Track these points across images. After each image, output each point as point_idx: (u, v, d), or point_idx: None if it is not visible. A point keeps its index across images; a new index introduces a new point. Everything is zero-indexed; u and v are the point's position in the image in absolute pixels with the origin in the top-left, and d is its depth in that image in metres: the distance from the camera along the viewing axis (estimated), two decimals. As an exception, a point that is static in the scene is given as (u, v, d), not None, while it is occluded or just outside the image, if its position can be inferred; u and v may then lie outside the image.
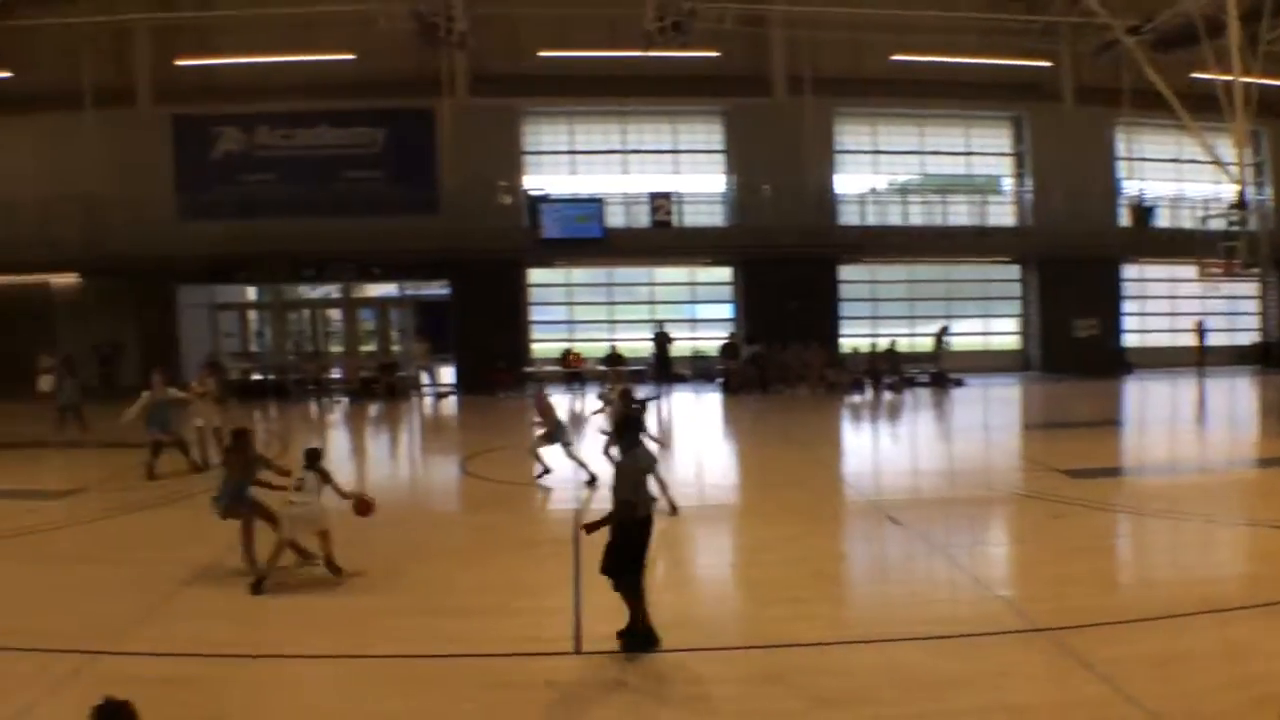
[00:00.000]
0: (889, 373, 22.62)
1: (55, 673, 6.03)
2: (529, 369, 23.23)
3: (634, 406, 10.37)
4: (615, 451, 9.00)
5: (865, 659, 5.95)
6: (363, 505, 8.05)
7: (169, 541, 9.52)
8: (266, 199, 22.97)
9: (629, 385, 12.27)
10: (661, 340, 22.67)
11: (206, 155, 23.51)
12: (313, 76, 22.82)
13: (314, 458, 7.93)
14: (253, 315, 25.53)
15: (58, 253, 22.45)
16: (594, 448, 12.14)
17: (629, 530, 6.03)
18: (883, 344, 23.40)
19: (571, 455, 11.62)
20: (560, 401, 16.60)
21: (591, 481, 11.07)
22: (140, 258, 22.31)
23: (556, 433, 11.73)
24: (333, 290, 25.02)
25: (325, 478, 7.89)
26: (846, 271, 24.72)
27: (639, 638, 5.98)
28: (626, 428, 6.59)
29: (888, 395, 21.84)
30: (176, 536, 9.76)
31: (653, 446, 10.33)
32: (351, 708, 5.60)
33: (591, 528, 6.33)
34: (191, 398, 13.33)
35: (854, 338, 24.05)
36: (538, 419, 11.94)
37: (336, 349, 25.00)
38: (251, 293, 25.16)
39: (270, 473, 8.22)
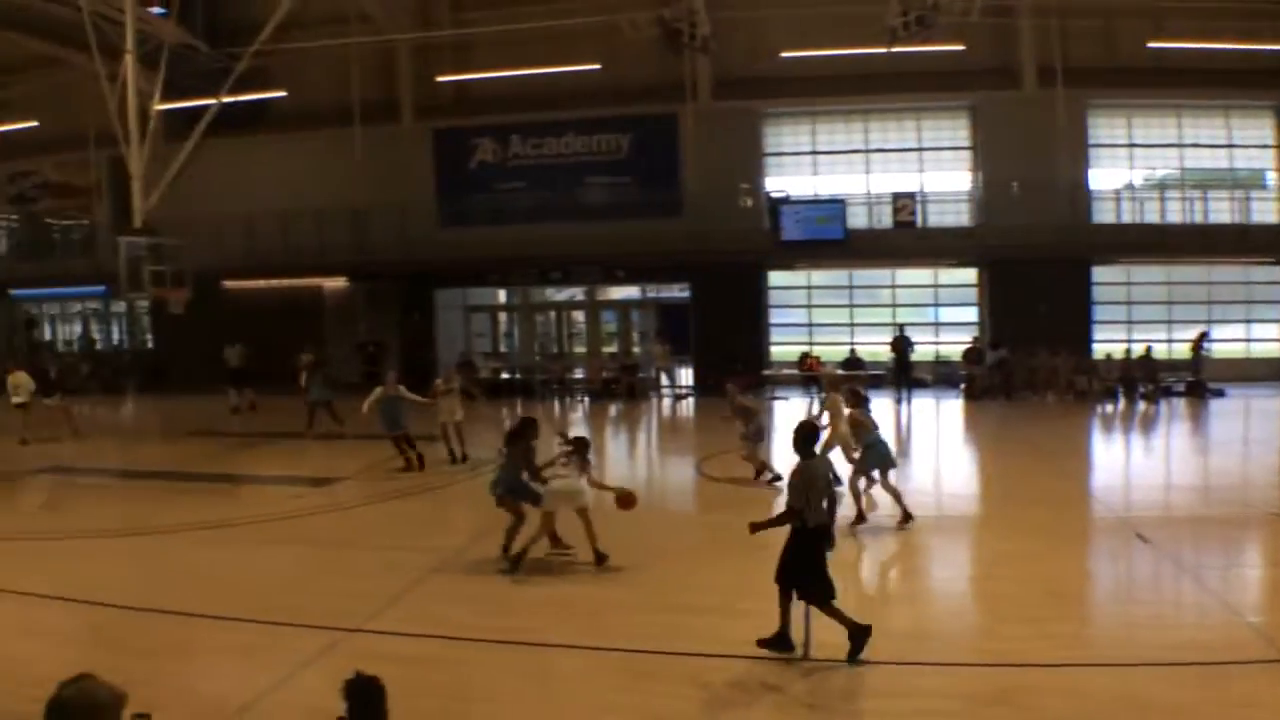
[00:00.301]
0: (1143, 381, 21.23)
1: (311, 647, 6.43)
2: (767, 371, 23.17)
3: (862, 407, 10.15)
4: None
5: (1100, 683, 5.60)
6: (626, 499, 8.36)
7: (419, 529, 10.08)
8: (517, 206, 23.89)
9: (856, 386, 11.97)
10: (900, 344, 22.09)
11: (464, 166, 24.73)
12: (561, 87, 23.61)
13: (581, 446, 8.40)
14: (502, 317, 26.62)
15: (329, 259, 24.12)
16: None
17: (799, 539, 6.10)
18: (1137, 350, 22.00)
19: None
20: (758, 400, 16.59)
21: (775, 480, 11.25)
22: (403, 263, 23.72)
23: (753, 433, 11.81)
24: (577, 293, 25.72)
25: (585, 466, 8.31)
26: (1100, 273, 23.31)
27: (853, 644, 5.99)
28: (803, 437, 6.42)
29: (1141, 405, 20.50)
30: (426, 524, 10.36)
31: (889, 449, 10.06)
32: (582, 696, 5.68)
33: (756, 527, 6.43)
34: (434, 397, 13.79)
35: (1108, 343, 22.66)
36: (741, 426, 11.95)
37: (580, 350, 25.70)
38: (502, 295, 26.24)
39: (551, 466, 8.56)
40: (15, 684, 5.61)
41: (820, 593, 6.01)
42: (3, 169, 28.71)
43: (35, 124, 26.68)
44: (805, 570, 6.07)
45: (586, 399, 22.88)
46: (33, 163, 28.14)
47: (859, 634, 5.98)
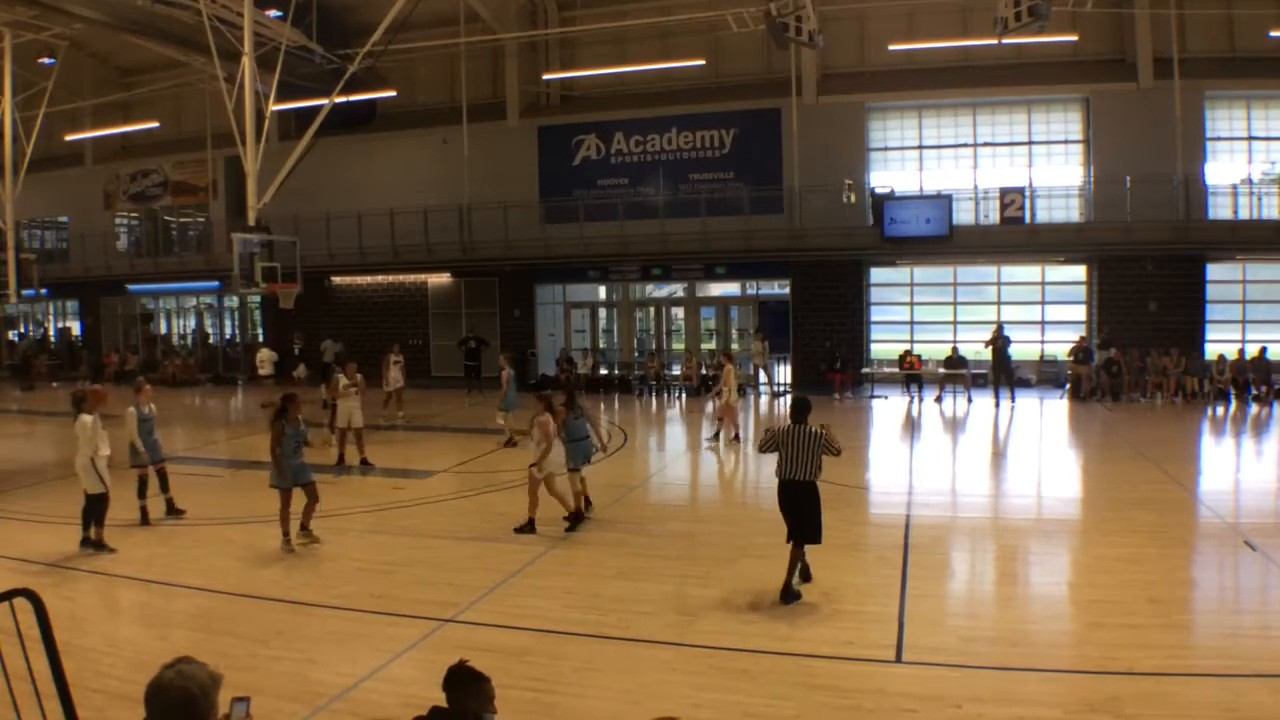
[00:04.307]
0: (1256, 383, 20.52)
1: (407, 637, 6.60)
2: (866, 369, 23.03)
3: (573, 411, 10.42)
4: None
5: (1201, 693, 5.44)
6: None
7: (512, 522, 10.07)
8: (619, 202, 24.00)
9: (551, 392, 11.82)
10: (999, 342, 21.59)
11: (567, 163, 25.00)
12: (665, 83, 23.79)
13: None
14: (601, 313, 26.76)
15: (434, 255, 24.65)
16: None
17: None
18: (1252, 350, 21.26)
19: None
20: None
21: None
22: (505, 259, 24.10)
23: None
24: (677, 289, 25.77)
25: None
26: (1214, 270, 22.58)
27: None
28: (797, 407, 7.61)
29: (1253, 408, 19.80)
30: (519, 518, 10.24)
31: None
32: (669, 693, 5.66)
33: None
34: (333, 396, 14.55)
35: (1220, 343, 21.94)
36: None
37: (678, 346, 25.76)
38: (601, 291, 26.47)
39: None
40: (126, 667, 5.92)
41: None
42: (125, 168, 30.07)
43: (156, 125, 27.89)
44: (813, 517, 7.30)
45: (683, 395, 22.98)
46: (153, 162, 29.43)
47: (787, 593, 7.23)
